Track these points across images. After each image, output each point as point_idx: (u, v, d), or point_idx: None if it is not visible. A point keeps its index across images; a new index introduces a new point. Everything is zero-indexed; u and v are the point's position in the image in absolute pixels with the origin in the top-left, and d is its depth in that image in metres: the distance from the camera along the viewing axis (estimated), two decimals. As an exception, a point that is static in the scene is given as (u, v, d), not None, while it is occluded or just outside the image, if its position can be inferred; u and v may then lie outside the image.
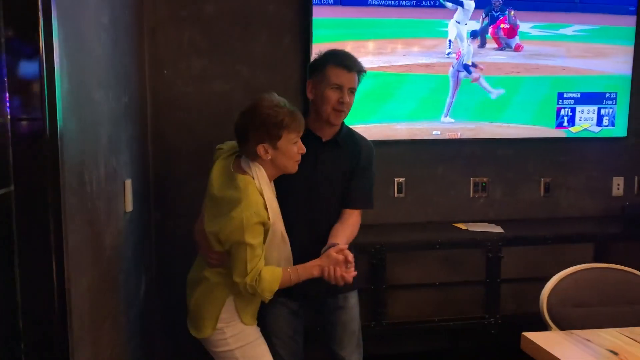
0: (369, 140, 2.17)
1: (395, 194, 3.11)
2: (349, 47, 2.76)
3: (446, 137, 3.09)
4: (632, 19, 3.17)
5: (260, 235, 1.76)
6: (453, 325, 2.84)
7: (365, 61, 2.83)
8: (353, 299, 2.16)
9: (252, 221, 1.71)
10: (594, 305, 2.10)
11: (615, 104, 3.21)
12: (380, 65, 2.98)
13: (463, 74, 3.06)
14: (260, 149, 1.76)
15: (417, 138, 3.05)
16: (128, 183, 2.09)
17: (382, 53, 2.98)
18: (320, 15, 2.85)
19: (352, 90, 1.99)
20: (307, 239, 1.98)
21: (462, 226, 3.06)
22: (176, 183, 2.82)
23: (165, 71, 2.78)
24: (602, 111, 3.21)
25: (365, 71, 2.04)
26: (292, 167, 1.83)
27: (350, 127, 2.17)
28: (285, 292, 1.93)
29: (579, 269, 2.13)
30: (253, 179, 1.78)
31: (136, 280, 2.35)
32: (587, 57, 3.17)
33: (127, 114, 2.19)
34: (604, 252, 2.92)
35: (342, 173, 2.06)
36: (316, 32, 2.84)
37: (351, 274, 1.82)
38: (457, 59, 3.04)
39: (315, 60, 2.04)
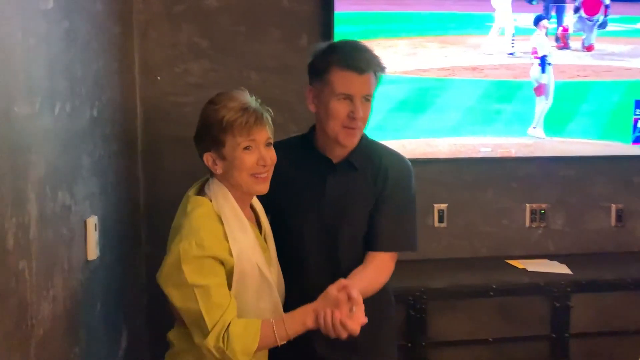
0: (402, 155, 1.65)
1: (436, 224, 2.59)
2: (378, 46, 2.25)
3: (497, 155, 2.56)
4: None
5: (215, 276, 1.30)
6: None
7: (398, 63, 2.41)
8: None
9: (190, 254, 1.27)
10: None
11: None
12: (417, 68, 2.47)
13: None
14: (208, 159, 1.38)
15: (461, 156, 2.53)
16: (91, 222, 1.60)
17: (417, 53, 2.47)
18: (343, 9, 2.38)
19: (367, 98, 1.50)
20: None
21: (518, 264, 2.51)
22: (171, 210, 2.34)
23: (158, 77, 2.35)
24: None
25: (384, 68, 1.52)
26: (251, 184, 1.37)
27: (377, 141, 1.66)
28: None
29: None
30: (211, 201, 1.36)
31: (112, 335, 1.87)
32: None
33: (95, 131, 1.71)
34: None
35: (363, 203, 1.57)
36: (338, 28, 2.36)
37: (358, 320, 1.30)
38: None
39: (315, 58, 1.54)
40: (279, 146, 1.48)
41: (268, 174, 1.39)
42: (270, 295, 1.41)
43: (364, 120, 1.51)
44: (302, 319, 1.32)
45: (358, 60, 1.47)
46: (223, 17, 2.37)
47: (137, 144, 2.32)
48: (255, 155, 1.35)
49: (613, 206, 2.72)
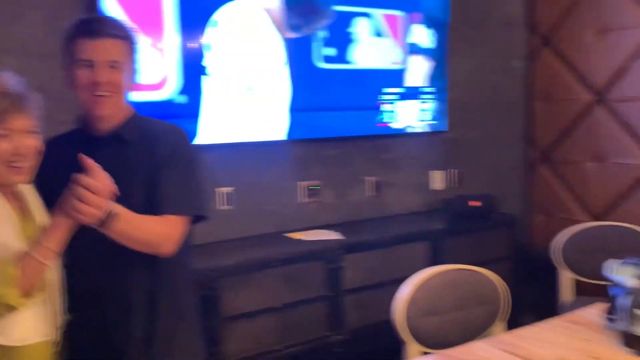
0: (175, 125, 1.59)
1: (224, 207, 2.71)
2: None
3: (271, 139, 2.78)
4: (442, 15, 3.22)
5: None
6: (297, 350, 2.55)
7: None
8: None
9: None
10: (449, 310, 1.98)
11: (435, 98, 3.24)
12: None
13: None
14: None
15: (241, 141, 2.69)
16: None
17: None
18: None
19: (114, 65, 1.44)
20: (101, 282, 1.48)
21: (297, 236, 2.78)
22: None
23: None
24: (423, 106, 3.21)
25: (128, 33, 1.49)
26: (5, 174, 1.30)
27: (151, 118, 1.61)
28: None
29: (428, 275, 1.99)
30: None
31: None
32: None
33: None
34: (438, 249, 2.90)
35: (139, 176, 1.48)
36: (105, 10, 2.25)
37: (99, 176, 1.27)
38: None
39: (62, 36, 1.48)
40: (54, 141, 1.43)
41: (25, 163, 1.31)
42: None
43: (114, 87, 1.44)
44: (52, 223, 1.30)
45: (92, 25, 1.45)
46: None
47: None
48: (10, 144, 1.27)
49: (370, 179, 3.18)
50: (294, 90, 2.79)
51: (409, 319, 1.89)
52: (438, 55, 3.23)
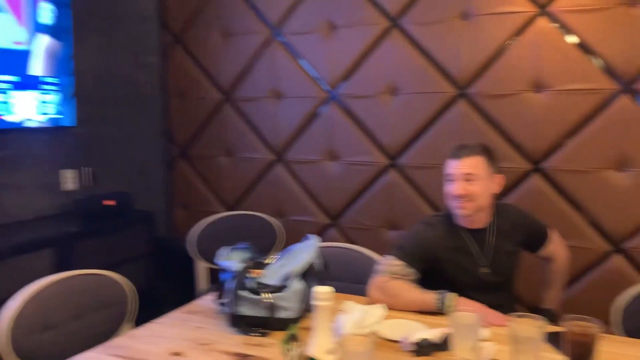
0: None
1: None
2: None
3: None
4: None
5: None
6: None
7: None
8: None
9: None
10: (66, 321, 1.80)
11: (59, 90, 2.94)
12: None
13: None
14: None
15: None
16: None
17: None
18: None
19: None
20: None
21: None
22: None
23: None
24: (44, 97, 2.88)
25: None
26: None
27: None
28: None
29: (41, 286, 1.77)
30: None
31: None
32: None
33: None
34: (68, 255, 2.65)
35: None
36: None
37: None
38: None
39: None
40: None
41: None
42: None
43: None
44: None
45: None
46: None
47: None
48: None
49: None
50: None
51: (16, 340, 1.64)
52: (65, 44, 2.94)
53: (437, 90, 2.79)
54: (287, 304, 1.62)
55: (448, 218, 2.01)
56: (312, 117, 3.15)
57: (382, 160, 2.98)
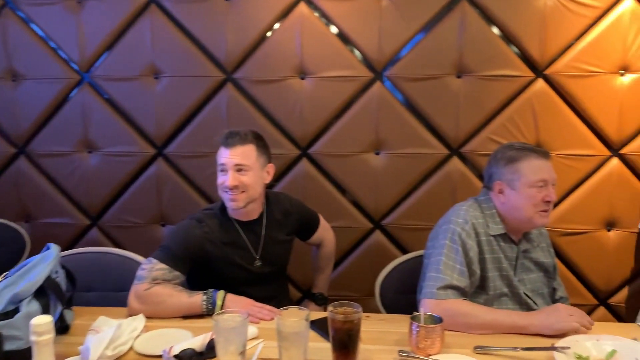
0: None
1: None
2: None
3: None
4: None
5: None
6: None
7: None
8: None
9: None
10: None
11: None
12: None
13: None
14: None
15: None
16: None
17: None
18: None
19: None
20: None
21: None
22: None
23: None
24: None
25: None
26: None
27: None
28: None
29: None
30: None
31: None
32: None
33: None
34: None
35: None
36: None
37: None
38: None
39: None
40: None
41: None
42: None
43: None
44: None
45: None
46: None
47: None
48: None
49: None
50: None
51: None
52: None
53: (203, 74, 2.64)
54: (18, 333, 1.32)
55: (222, 211, 1.89)
56: (61, 102, 2.73)
57: (148, 149, 2.72)
